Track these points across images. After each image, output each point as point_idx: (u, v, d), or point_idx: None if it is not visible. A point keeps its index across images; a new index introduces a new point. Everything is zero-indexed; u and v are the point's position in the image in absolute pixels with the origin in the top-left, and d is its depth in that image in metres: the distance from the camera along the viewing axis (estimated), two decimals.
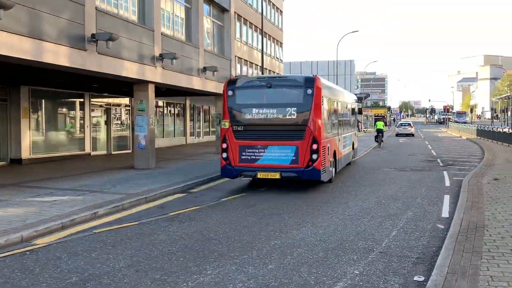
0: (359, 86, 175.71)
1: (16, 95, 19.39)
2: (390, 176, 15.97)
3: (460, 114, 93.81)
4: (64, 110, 22.80)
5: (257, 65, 46.76)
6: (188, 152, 25.82)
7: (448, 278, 5.45)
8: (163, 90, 20.89)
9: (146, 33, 16.76)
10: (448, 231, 7.84)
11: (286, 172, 12.45)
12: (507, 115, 65.39)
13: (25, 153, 19.52)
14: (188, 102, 34.01)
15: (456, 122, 72.54)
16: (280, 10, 55.71)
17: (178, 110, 33.58)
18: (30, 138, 19.78)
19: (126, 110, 26.97)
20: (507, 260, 6.05)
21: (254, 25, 46.62)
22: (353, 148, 19.97)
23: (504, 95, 70.67)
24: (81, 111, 23.06)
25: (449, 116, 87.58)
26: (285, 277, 5.97)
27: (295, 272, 6.14)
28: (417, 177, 15.53)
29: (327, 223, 8.93)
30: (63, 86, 20.56)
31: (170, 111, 32.54)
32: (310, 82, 12.62)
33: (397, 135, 50.49)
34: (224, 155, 12.93)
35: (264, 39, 46.34)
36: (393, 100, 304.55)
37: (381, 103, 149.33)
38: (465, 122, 71.79)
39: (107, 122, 24.96)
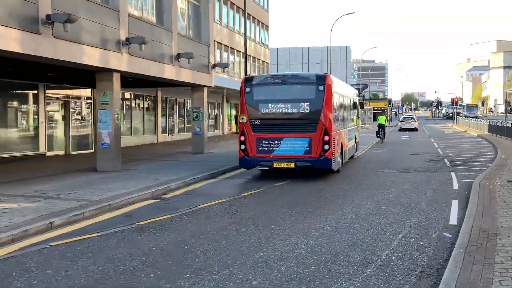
0: (356, 75, 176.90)
1: None
2: (390, 178, 16.12)
3: (470, 107, 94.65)
4: (15, 103, 22.52)
5: (240, 51, 46.78)
6: (160, 152, 25.72)
7: None
8: (130, 80, 20.77)
9: (111, 14, 16.64)
10: (457, 240, 7.94)
11: (300, 162, 15.38)
12: None
13: None
14: (159, 94, 33.87)
15: (466, 116, 73.29)
16: None
17: (148, 104, 33.42)
18: None
19: (87, 103, 26.75)
20: None
21: (236, 5, 46.59)
22: (355, 142, 23.17)
23: None
24: (34, 105, 22.80)
25: (458, 110, 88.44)
26: None
27: None
28: (421, 179, 15.70)
29: (319, 232, 8.98)
30: (13, 76, 20.28)
31: (138, 104, 32.37)
32: (322, 79, 15.70)
33: (400, 129, 54.67)
34: (243, 147, 15.82)
35: (248, 22, 46.29)
36: (394, 92, 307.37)
37: (381, 95, 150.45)
38: (476, 117, 72.55)
39: (65, 118, 24.74)
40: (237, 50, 47.02)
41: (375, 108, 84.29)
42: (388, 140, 36.31)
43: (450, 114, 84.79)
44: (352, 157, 21.90)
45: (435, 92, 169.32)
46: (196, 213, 10.80)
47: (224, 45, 44.18)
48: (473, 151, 26.91)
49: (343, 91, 19.51)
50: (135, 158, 21.85)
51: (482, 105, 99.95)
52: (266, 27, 57.00)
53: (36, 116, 22.79)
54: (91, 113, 26.38)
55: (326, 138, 15.35)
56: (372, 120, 72.34)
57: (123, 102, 29.18)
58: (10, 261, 7.38)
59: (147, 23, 19.54)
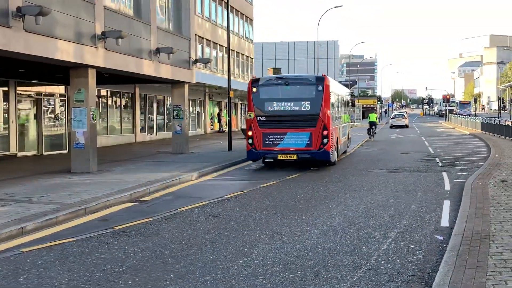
0: (344, 71, 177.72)
1: None
2: (380, 178, 16.22)
3: (463, 104, 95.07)
4: None
5: (222, 46, 46.72)
6: (139, 152, 25.61)
7: None
8: (106, 76, 20.65)
9: (86, 7, 16.52)
10: (449, 243, 8.01)
11: (302, 154, 17.93)
12: None
13: None
14: (138, 91, 33.72)
15: (460, 114, 73.90)
16: None
17: (125, 101, 33.25)
18: None
19: (61, 101, 26.54)
20: None
21: None
22: (348, 137, 25.90)
23: None
24: (4, 103, 22.55)
25: (451, 108, 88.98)
26: None
27: None
28: (412, 180, 15.82)
29: (306, 235, 9.00)
30: None
31: (115, 102, 32.19)
32: (321, 80, 18.43)
33: (392, 126, 58.63)
34: (250, 141, 18.33)
35: (231, 15, 46.27)
36: (384, 89, 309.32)
37: (370, 92, 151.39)
38: (469, 114, 73.19)
39: (38, 116, 24.52)
40: (219, 45, 46.96)
41: (364, 106, 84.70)
42: (378, 139, 36.66)
43: (443, 112, 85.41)
44: (345, 152, 24.17)
45: (426, 88, 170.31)
46: (176, 216, 10.76)
47: (206, 40, 44.11)
48: (465, 150, 27.19)
49: (338, 91, 22.62)
50: (112, 159, 21.73)
51: (475, 102, 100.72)
52: (250, 20, 57.02)
53: (6, 115, 22.55)
54: (65, 111, 26.17)
55: (325, 132, 17.90)
56: (361, 118, 72.70)
57: (99, 100, 29.02)
58: None
59: (125, 16, 19.43)
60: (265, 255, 7.84)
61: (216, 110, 48.83)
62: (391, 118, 63.06)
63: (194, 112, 43.56)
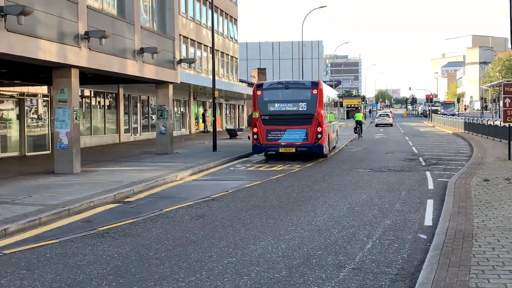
0: (329, 71, 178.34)
1: None
2: (364, 178, 16.30)
3: (447, 104, 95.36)
4: None
5: (207, 46, 46.66)
6: (123, 153, 25.48)
7: None
8: (90, 77, 20.51)
9: (68, 6, 16.39)
10: (432, 241, 8.07)
11: (300, 147, 20.95)
12: (498, 105, 67.92)
13: None
14: (121, 91, 33.52)
15: (444, 114, 74.44)
16: None
17: (109, 101, 33.04)
18: None
19: (44, 101, 26.32)
20: (498, 275, 6.28)
21: None
22: (337, 134, 29.48)
23: (495, 82, 73.36)
24: None
25: (436, 108, 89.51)
26: None
27: None
28: (396, 179, 15.92)
29: (291, 235, 9.02)
30: None
31: (99, 102, 31.98)
32: (316, 84, 21.80)
33: (377, 125, 63.23)
34: (255, 136, 21.27)
35: (215, 15, 46.17)
36: (368, 89, 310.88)
37: (354, 92, 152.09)
38: (453, 114, 73.76)
39: (20, 117, 24.28)
40: (204, 45, 46.88)
41: (348, 106, 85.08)
42: (362, 139, 36.89)
43: (428, 112, 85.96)
44: (334, 147, 27.17)
45: (410, 88, 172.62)
46: (161, 217, 10.73)
47: (191, 40, 44.01)
48: (448, 149, 27.42)
49: (329, 94, 26.39)
50: (95, 160, 21.59)
51: (458, 102, 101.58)
52: (234, 20, 56.98)
53: None
54: (48, 111, 25.95)
55: (319, 129, 20.91)
56: (345, 118, 73.01)
57: (82, 100, 28.81)
58: None
59: (108, 15, 19.32)
60: (250, 255, 7.84)
61: (201, 110, 48.72)
62: (377, 117, 67.73)
63: (179, 112, 43.43)
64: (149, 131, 37.28)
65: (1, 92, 23.03)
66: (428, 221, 10.09)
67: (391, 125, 62.60)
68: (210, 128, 40.19)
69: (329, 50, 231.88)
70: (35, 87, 25.43)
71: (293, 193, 13.52)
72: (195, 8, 45.27)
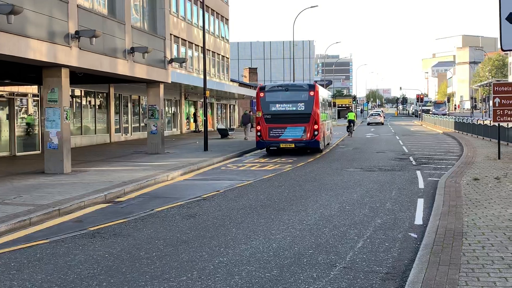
0: (320, 71, 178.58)
1: None
2: (355, 177, 16.34)
3: (438, 104, 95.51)
4: None
5: (198, 46, 46.58)
6: (113, 153, 25.40)
7: None
8: (80, 76, 20.43)
9: (59, 5, 16.32)
10: (422, 240, 8.12)
11: (298, 143, 23.34)
12: (488, 104, 68.32)
13: None
14: (112, 91, 33.41)
15: (435, 114, 74.73)
16: None
17: (100, 101, 32.92)
18: None
19: (34, 101, 26.17)
20: (488, 273, 6.32)
21: None
22: (330, 132, 31.80)
23: (485, 82, 73.84)
24: None
25: (428, 108, 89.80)
26: None
27: None
28: (387, 179, 15.98)
29: (282, 234, 9.04)
30: None
31: (89, 102, 31.85)
32: (313, 87, 24.15)
33: (369, 124, 66.43)
34: (259, 133, 23.70)
35: (206, 14, 46.12)
36: (359, 88, 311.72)
37: (345, 92, 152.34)
38: (444, 114, 74.08)
39: (10, 117, 24.14)
40: (195, 44, 46.80)
41: (340, 105, 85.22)
42: (354, 136, 37.73)
43: (419, 112, 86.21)
44: (328, 144, 28.97)
45: (401, 88, 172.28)
46: (152, 217, 10.71)
47: (182, 39, 43.92)
48: (438, 148, 27.54)
49: (324, 95, 28.51)
50: (86, 159, 21.51)
51: (448, 101, 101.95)
52: (226, 20, 56.93)
53: None
54: (38, 111, 25.82)
55: (316, 127, 23.39)
56: (336, 117, 73.17)
57: (72, 100, 28.69)
58: None
59: (98, 15, 19.24)
60: (241, 254, 7.85)
61: (192, 110, 48.64)
62: (369, 117, 72.27)
63: (170, 112, 43.34)
64: (140, 131, 37.19)
65: None
66: (419, 220, 10.14)
67: (382, 123, 65.89)
68: (202, 128, 40.17)
69: (320, 50, 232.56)
70: (25, 86, 25.28)
71: (284, 193, 13.54)
72: (186, 8, 45.19)
